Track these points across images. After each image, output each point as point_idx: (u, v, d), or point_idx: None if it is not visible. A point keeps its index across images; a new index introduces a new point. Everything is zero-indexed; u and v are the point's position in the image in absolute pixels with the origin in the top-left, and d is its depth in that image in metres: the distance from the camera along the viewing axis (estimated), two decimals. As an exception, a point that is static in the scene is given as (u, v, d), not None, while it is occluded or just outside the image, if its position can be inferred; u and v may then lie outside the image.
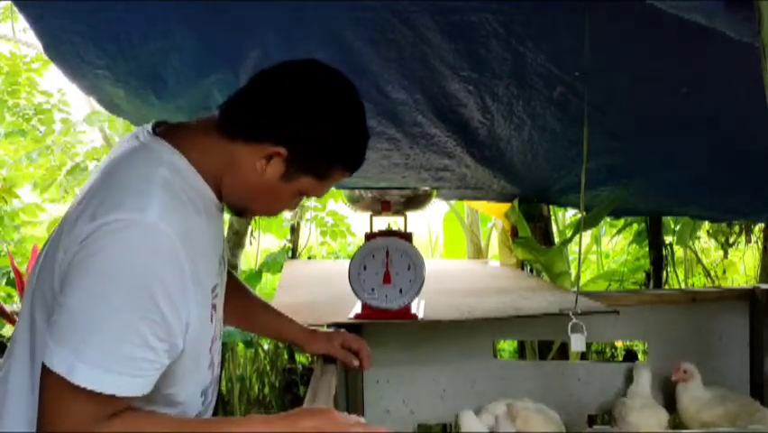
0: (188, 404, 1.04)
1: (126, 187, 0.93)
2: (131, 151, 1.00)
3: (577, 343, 1.74)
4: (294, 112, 1.01)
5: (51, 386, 0.87)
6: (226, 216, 4.72)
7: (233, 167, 1.02)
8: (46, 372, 0.87)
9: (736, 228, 4.50)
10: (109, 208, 0.90)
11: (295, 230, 4.41)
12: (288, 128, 1.00)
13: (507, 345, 3.85)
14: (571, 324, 1.75)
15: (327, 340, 1.48)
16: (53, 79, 4.67)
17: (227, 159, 1.02)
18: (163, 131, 1.04)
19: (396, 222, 1.88)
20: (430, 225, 5.43)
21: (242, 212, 1.14)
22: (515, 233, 3.01)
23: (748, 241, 4.56)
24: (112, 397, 0.87)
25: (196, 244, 0.96)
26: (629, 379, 2.20)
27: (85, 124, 4.31)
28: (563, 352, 2.66)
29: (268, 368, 3.79)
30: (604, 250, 5.11)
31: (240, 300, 1.34)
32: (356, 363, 1.48)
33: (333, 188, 4.02)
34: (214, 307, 1.04)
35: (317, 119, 1.02)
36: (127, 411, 0.91)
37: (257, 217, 4.23)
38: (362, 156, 1.15)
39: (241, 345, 3.71)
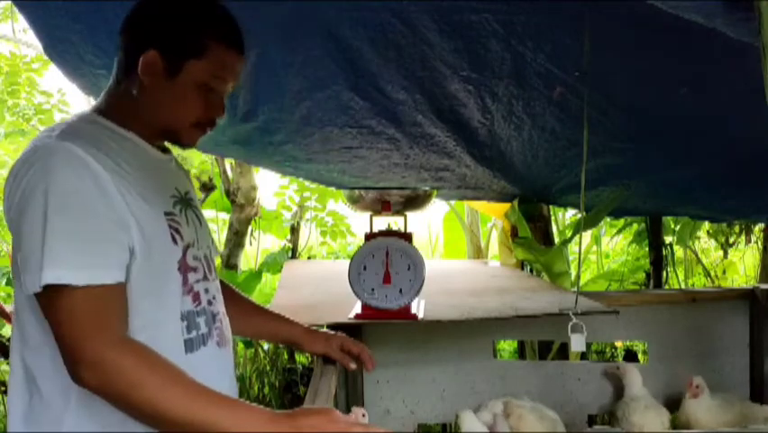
0: (164, 326, 1.06)
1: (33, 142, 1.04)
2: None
3: (577, 343, 1.74)
4: (137, 16, 1.11)
5: (45, 312, 0.95)
6: (226, 216, 4.71)
7: (134, 98, 1.09)
8: (41, 303, 0.95)
9: (736, 228, 4.50)
10: (21, 161, 1.00)
11: (295, 230, 4.42)
12: (141, 28, 1.09)
13: (507, 345, 3.85)
14: (571, 324, 1.75)
15: (326, 341, 1.48)
16: (53, 79, 4.68)
17: (128, 97, 1.10)
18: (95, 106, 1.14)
19: (396, 222, 1.88)
20: (430, 225, 5.43)
21: (174, 134, 1.16)
22: (515, 233, 3.01)
23: (748, 241, 4.57)
24: (98, 293, 0.93)
25: (120, 167, 1.02)
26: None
27: (85, 124, 4.30)
28: (563, 352, 2.66)
29: (268, 368, 3.78)
30: (604, 250, 5.12)
31: (232, 305, 1.32)
32: (353, 366, 1.48)
33: (333, 189, 3.99)
34: (176, 230, 1.09)
35: (169, 9, 1.10)
36: (139, 344, 0.95)
37: (257, 218, 4.24)
38: (221, 15, 1.17)
39: (241, 345, 3.71)
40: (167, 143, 1.19)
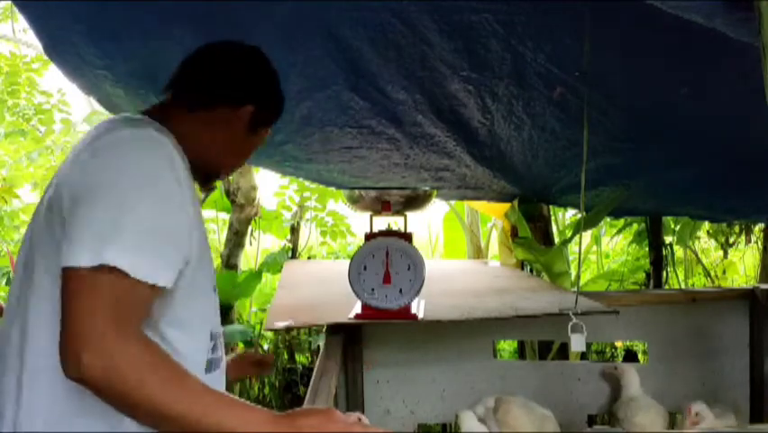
0: (195, 341, 1.04)
1: (117, 130, 1.01)
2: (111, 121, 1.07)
3: (577, 343, 1.74)
4: (249, 73, 1.16)
5: (73, 289, 0.87)
6: (226, 216, 4.72)
7: (200, 134, 1.10)
8: (66, 278, 0.88)
9: (736, 228, 4.50)
10: (104, 140, 0.98)
11: (295, 230, 4.42)
12: (249, 87, 1.15)
13: (507, 345, 3.85)
14: (571, 324, 1.75)
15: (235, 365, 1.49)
16: (53, 79, 4.68)
17: (192, 129, 1.10)
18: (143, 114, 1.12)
19: (396, 222, 1.88)
20: (430, 225, 5.43)
21: (217, 172, 1.20)
22: (515, 233, 3.01)
23: (748, 241, 4.56)
24: (142, 290, 0.88)
25: (187, 178, 1.01)
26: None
27: (85, 124, 4.32)
28: (563, 352, 2.66)
29: (268, 368, 3.78)
30: (604, 250, 5.12)
31: None
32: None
33: (333, 189, 3.99)
34: (209, 252, 1.10)
35: (268, 76, 1.20)
36: (151, 340, 0.91)
37: (257, 218, 4.25)
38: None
39: (241, 345, 3.71)
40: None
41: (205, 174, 1.17)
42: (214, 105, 1.12)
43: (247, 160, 1.23)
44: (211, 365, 1.08)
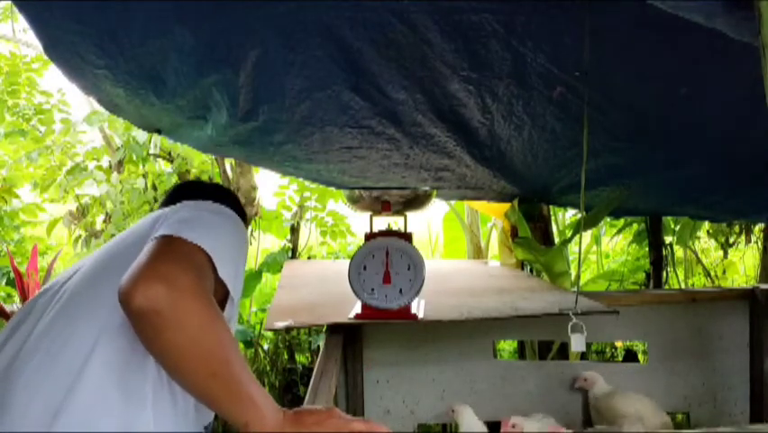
0: None
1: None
2: None
3: (577, 343, 1.74)
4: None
5: (162, 243, 0.93)
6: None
7: None
8: (156, 240, 0.94)
9: (736, 228, 4.50)
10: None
11: (295, 230, 4.42)
12: None
13: (507, 345, 3.85)
14: (571, 324, 1.75)
15: None
16: (53, 79, 4.68)
17: None
18: None
19: (396, 222, 1.88)
20: (430, 225, 5.43)
21: None
22: (515, 233, 3.01)
23: (748, 241, 4.56)
24: (212, 273, 0.94)
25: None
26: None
27: (85, 124, 4.31)
28: (563, 352, 2.66)
29: (268, 368, 3.79)
30: (604, 250, 5.11)
31: None
32: None
33: (333, 189, 4.00)
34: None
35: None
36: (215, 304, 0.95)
37: (257, 218, 4.25)
38: None
39: (241, 345, 3.71)
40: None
41: None
42: None
43: None
44: None
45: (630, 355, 3.89)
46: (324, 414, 0.96)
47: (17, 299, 3.72)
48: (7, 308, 3.26)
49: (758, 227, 4.23)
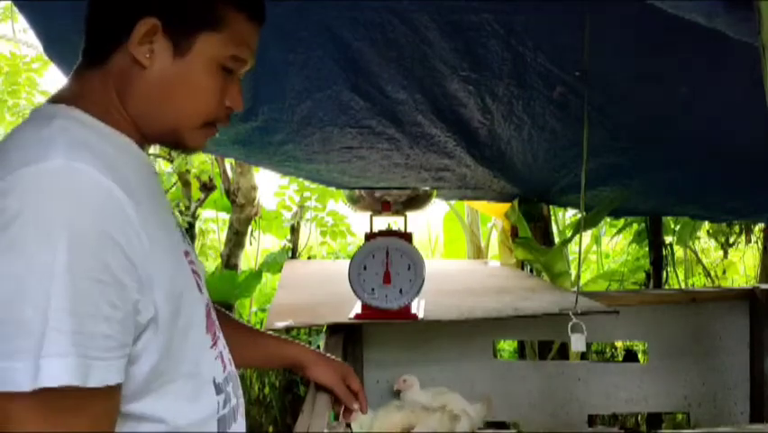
0: (199, 408, 0.83)
1: (14, 148, 0.73)
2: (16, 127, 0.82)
3: (577, 343, 1.74)
4: None
5: (18, 417, 0.65)
6: (226, 216, 4.71)
7: (124, 85, 0.82)
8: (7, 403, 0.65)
9: (736, 228, 4.50)
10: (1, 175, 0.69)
11: (295, 230, 4.42)
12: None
13: (507, 345, 3.85)
14: (571, 324, 1.75)
15: (333, 371, 1.29)
16: (53, 79, 4.68)
17: (114, 84, 0.83)
18: (53, 98, 0.84)
19: (396, 222, 1.88)
20: (430, 225, 5.44)
21: (177, 133, 0.87)
22: (515, 233, 3.01)
23: (748, 241, 4.56)
24: (88, 396, 0.67)
25: (134, 188, 0.74)
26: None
27: (85, 124, 4.31)
28: (563, 352, 2.66)
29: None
30: (604, 250, 5.12)
31: (229, 333, 1.01)
32: (356, 405, 1.29)
33: (333, 189, 3.98)
34: (196, 273, 0.86)
35: None
36: None
37: (257, 218, 4.24)
38: None
39: (241, 345, 3.71)
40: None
41: (172, 141, 0.89)
42: (111, 36, 0.81)
43: (210, 101, 0.86)
44: (226, 423, 0.87)
45: (630, 355, 3.88)
46: None
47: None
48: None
49: (758, 227, 4.23)
